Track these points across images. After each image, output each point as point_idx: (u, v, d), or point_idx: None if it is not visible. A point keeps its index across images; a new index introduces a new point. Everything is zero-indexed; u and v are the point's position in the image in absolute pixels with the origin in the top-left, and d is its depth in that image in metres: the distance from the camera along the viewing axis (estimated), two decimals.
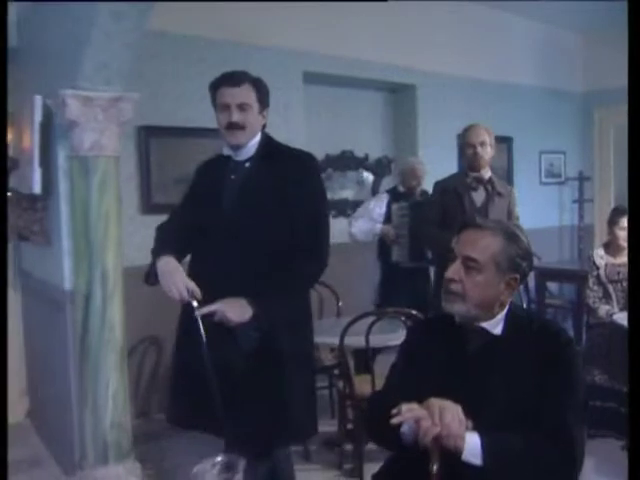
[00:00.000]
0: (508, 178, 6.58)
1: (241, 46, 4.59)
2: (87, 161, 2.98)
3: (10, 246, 4.31)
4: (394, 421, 1.55)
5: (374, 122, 5.88)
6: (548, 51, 6.89)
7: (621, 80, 6.58)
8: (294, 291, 2.40)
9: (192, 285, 2.20)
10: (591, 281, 4.34)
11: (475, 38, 6.09)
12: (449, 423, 1.53)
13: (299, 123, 5.00)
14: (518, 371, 1.68)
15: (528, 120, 6.69)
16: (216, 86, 2.37)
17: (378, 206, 4.75)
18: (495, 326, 1.78)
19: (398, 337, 3.41)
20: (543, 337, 1.74)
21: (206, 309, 2.16)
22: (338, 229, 5.54)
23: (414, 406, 1.56)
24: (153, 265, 2.29)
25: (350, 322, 3.22)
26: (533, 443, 1.59)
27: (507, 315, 1.79)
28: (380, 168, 5.85)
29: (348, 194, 5.74)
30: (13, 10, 3.82)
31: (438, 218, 3.84)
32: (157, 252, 2.31)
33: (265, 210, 2.36)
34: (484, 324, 1.77)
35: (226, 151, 2.46)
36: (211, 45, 4.48)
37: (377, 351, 3.63)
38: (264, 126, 2.47)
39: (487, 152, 3.85)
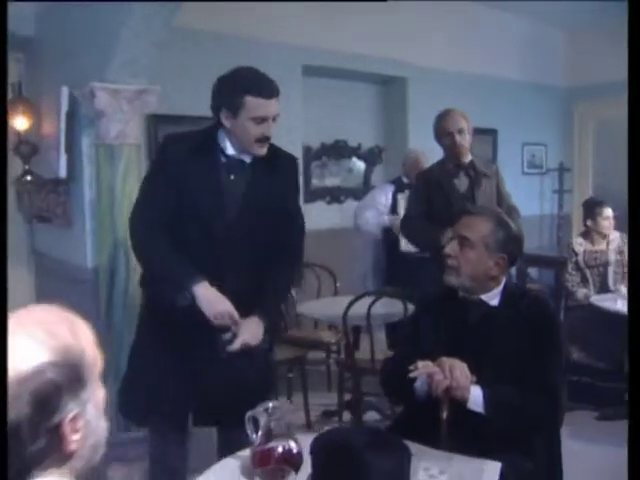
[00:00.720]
0: None
1: (245, 40, 4.79)
2: (113, 149, 3.22)
3: (23, 229, 4.54)
4: (412, 375, 1.85)
5: (367, 113, 6.15)
6: (533, 47, 7.14)
7: (601, 76, 6.97)
8: (286, 295, 2.53)
9: (233, 311, 2.23)
10: (570, 266, 4.67)
11: (464, 34, 6.33)
12: (457, 377, 1.82)
13: (298, 113, 5.24)
14: (512, 337, 1.99)
15: (512, 113, 6.95)
16: (246, 92, 2.22)
17: (384, 197, 4.93)
18: (492, 299, 2.09)
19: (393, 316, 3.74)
20: (533, 309, 2.06)
21: (237, 344, 2.20)
22: (333, 215, 5.85)
23: (428, 363, 1.86)
24: (185, 287, 2.24)
25: (352, 301, 3.49)
26: (525, 395, 1.89)
27: (503, 290, 2.10)
28: (372, 157, 6.13)
29: (341, 181, 6.01)
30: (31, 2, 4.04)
31: (423, 211, 3.69)
32: (188, 277, 2.25)
33: (268, 212, 2.36)
34: (483, 297, 2.08)
35: (230, 150, 2.35)
36: (217, 39, 4.69)
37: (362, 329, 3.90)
38: None
39: (466, 139, 3.65)
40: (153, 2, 2.85)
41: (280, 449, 1.59)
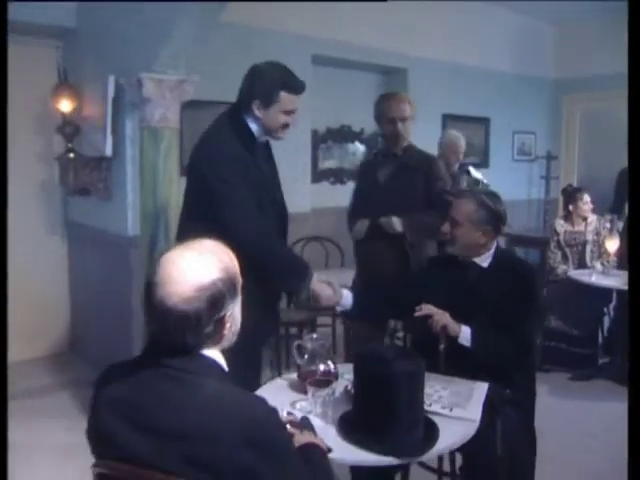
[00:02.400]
0: (485, 155, 7.38)
1: (259, 31, 5.20)
2: (156, 131, 3.68)
3: (58, 200, 5.00)
4: (417, 314, 2.38)
5: (370, 101, 6.55)
6: (524, 41, 7.59)
7: (588, 70, 7.46)
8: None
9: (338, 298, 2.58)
10: (552, 245, 5.20)
11: (460, 29, 6.79)
12: (449, 316, 2.36)
13: (306, 100, 5.67)
14: (497, 291, 2.49)
15: (504, 103, 7.43)
16: (282, 88, 2.52)
17: None
18: (484, 261, 2.60)
19: None
20: (516, 270, 2.58)
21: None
22: (336, 194, 6.32)
23: (430, 305, 2.38)
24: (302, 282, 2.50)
25: None
26: (504, 337, 2.39)
27: (493, 254, 2.61)
28: (373, 141, 6.60)
29: (344, 164, 6.49)
30: None
31: (355, 199, 3.65)
32: (308, 272, 2.52)
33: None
34: (476, 260, 2.60)
35: (257, 134, 2.62)
36: (233, 29, 5.06)
37: None
38: None
39: (407, 128, 3.48)
40: (201, 3, 3.29)
41: (322, 367, 2.10)
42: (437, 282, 2.58)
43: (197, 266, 1.35)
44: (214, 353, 1.42)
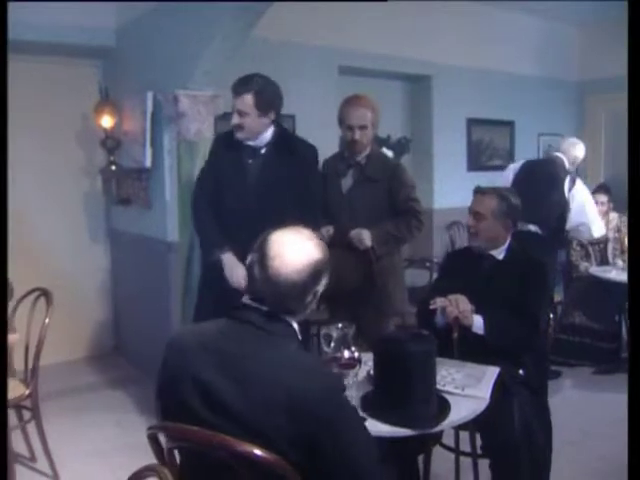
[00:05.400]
0: (510, 157, 7.53)
1: (288, 44, 5.44)
2: (192, 144, 3.94)
3: (101, 209, 5.31)
4: (431, 307, 2.60)
5: (396, 107, 6.82)
6: (547, 44, 7.69)
7: (612, 71, 7.54)
8: None
9: (242, 281, 2.78)
10: (575, 243, 5.34)
11: (483, 34, 6.92)
12: (462, 308, 2.55)
13: (334, 109, 5.91)
14: (511, 282, 2.70)
15: (529, 106, 7.52)
16: (232, 90, 3.08)
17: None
18: (499, 254, 2.83)
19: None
20: (528, 262, 2.80)
21: None
22: None
23: (443, 298, 2.59)
24: (214, 254, 3.09)
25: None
26: (515, 323, 2.60)
27: (508, 248, 2.84)
28: (399, 147, 6.79)
29: None
30: (112, 17, 4.78)
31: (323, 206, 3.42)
32: (219, 246, 3.08)
33: (280, 190, 3.06)
34: (492, 252, 2.82)
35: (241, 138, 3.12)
36: (264, 43, 5.25)
37: None
38: (275, 121, 3.13)
39: (367, 136, 3.37)
40: (233, 23, 3.54)
41: (347, 354, 2.31)
42: (456, 273, 2.82)
43: (306, 246, 1.66)
44: (292, 321, 1.69)
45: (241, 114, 3.03)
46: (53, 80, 4.96)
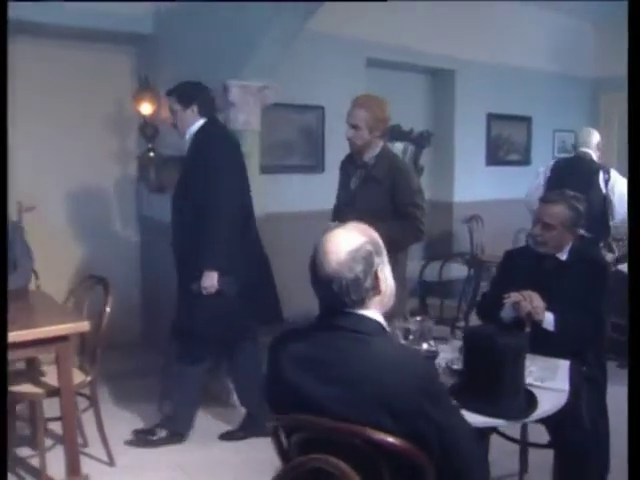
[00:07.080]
0: (527, 152, 7.62)
1: (319, 35, 5.36)
2: (240, 133, 3.97)
3: (133, 195, 5.32)
4: (505, 301, 2.66)
5: (419, 101, 6.89)
6: (565, 40, 7.78)
7: (626, 69, 7.57)
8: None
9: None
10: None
11: (504, 31, 7.02)
12: (535, 304, 2.62)
13: None
14: (574, 280, 2.78)
15: (545, 102, 7.64)
16: None
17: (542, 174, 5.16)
18: (563, 255, 2.90)
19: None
20: (592, 263, 2.89)
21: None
22: None
23: (516, 293, 2.65)
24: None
25: (426, 262, 4.27)
26: (582, 321, 2.69)
27: (570, 249, 2.90)
28: (421, 140, 6.86)
29: None
30: (149, 5, 4.78)
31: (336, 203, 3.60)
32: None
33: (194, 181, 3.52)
34: (556, 254, 2.88)
35: None
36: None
37: None
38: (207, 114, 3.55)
39: (360, 136, 3.33)
40: (290, 12, 3.56)
41: (425, 346, 2.38)
42: (517, 271, 2.88)
43: (346, 237, 1.66)
44: (377, 316, 1.71)
45: (171, 112, 3.67)
46: (86, 66, 4.94)
